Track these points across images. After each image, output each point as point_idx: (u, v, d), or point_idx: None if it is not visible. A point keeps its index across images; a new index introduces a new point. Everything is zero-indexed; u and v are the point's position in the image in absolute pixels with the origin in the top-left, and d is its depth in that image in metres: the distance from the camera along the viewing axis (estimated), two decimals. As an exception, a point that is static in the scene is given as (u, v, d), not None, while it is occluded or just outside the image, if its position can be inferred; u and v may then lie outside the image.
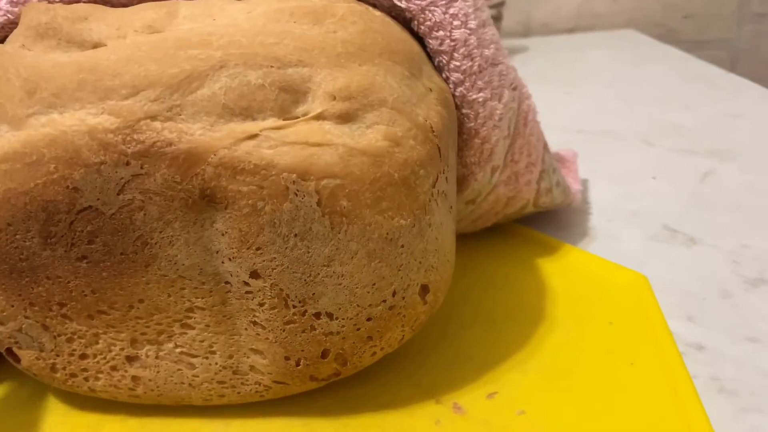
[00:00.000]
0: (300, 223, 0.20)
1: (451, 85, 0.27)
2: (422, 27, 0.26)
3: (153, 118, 0.19)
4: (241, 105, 0.20)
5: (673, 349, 0.26)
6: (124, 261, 0.21)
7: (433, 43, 0.26)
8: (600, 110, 0.59)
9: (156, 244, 0.20)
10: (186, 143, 0.19)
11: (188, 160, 0.19)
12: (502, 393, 0.24)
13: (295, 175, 0.19)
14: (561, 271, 0.32)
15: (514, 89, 0.29)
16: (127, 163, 0.19)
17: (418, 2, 0.26)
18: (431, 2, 0.26)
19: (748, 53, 0.93)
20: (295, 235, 0.20)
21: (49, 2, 0.24)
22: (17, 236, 0.20)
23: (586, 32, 0.94)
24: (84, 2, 0.24)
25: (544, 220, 0.38)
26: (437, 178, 0.22)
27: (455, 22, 0.26)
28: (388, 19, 0.24)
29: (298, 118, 0.20)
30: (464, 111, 0.27)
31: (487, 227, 0.35)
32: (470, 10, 0.27)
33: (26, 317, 0.22)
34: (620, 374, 0.25)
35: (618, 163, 0.46)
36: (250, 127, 0.19)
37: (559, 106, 0.61)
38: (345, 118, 0.20)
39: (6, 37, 0.24)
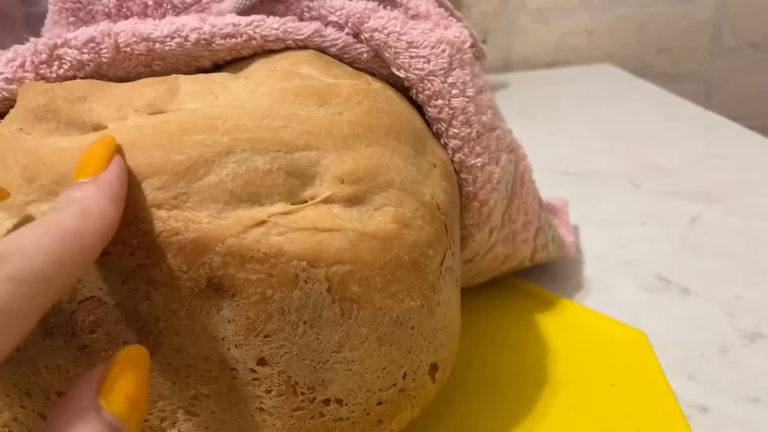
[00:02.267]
0: (310, 310, 0.19)
1: (449, 151, 0.27)
2: (421, 96, 0.26)
3: (158, 206, 0.19)
4: (249, 191, 0.19)
5: (679, 414, 0.26)
6: (127, 350, 0.20)
7: (431, 111, 0.26)
8: (584, 150, 0.59)
9: (161, 333, 0.20)
10: (193, 232, 0.19)
11: (195, 250, 0.19)
12: (511, 466, 0.24)
13: (305, 262, 0.19)
14: (560, 327, 0.32)
15: (511, 152, 0.29)
16: (132, 254, 0.19)
17: (417, 72, 0.26)
18: (430, 72, 0.26)
19: (721, 86, 0.96)
20: (305, 322, 0.19)
21: (46, 81, 0.24)
22: (15, 328, 0.19)
23: (564, 66, 0.96)
24: (81, 78, 0.24)
25: (538, 271, 0.38)
26: (444, 256, 0.22)
27: (454, 91, 0.26)
28: (389, 92, 0.24)
29: (306, 201, 0.20)
30: (463, 175, 0.27)
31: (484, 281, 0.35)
32: (468, 78, 0.27)
33: (22, 407, 0.21)
34: (628, 442, 0.25)
35: (606, 206, 0.47)
36: (258, 213, 0.19)
37: (544, 145, 0.61)
38: (353, 201, 0.20)
39: (2, 114, 0.23)
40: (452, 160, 0.27)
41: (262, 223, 0.19)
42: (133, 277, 0.19)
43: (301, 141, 0.20)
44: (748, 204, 0.45)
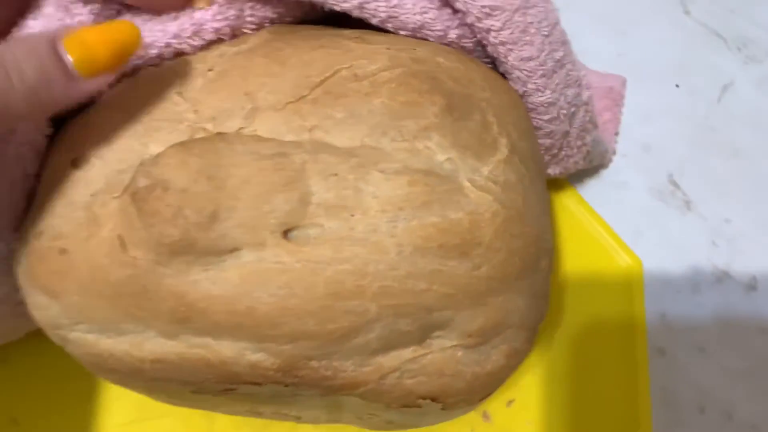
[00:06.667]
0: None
1: (520, 84, 0.27)
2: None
3: (310, 358, 0.21)
4: (388, 344, 0.21)
5: (642, 357, 0.34)
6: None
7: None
8: None
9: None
10: (340, 379, 0.22)
11: (340, 392, 0.22)
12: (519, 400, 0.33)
13: (429, 400, 0.23)
14: (570, 236, 0.37)
15: (579, 86, 0.29)
16: (285, 386, 0.22)
17: None
18: None
19: None
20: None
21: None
22: None
23: None
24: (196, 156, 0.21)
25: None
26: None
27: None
28: (520, 201, 0.23)
29: (433, 345, 0.22)
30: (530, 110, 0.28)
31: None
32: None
33: None
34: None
35: (650, 36, 0.45)
36: (393, 360, 0.22)
37: None
38: (475, 346, 0.22)
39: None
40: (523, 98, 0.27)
41: (396, 369, 0.22)
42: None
43: (440, 303, 0.21)
44: None
